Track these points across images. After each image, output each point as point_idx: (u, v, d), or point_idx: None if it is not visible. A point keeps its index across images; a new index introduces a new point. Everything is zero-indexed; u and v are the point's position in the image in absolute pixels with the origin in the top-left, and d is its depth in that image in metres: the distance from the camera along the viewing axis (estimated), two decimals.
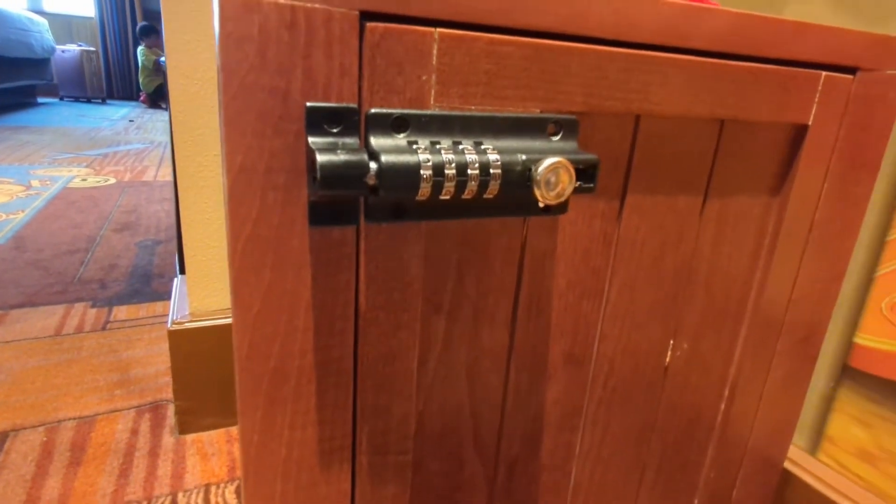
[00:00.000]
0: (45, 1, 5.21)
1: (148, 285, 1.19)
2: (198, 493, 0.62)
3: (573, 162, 0.26)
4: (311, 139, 0.24)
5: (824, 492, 0.49)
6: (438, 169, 0.24)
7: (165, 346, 0.94)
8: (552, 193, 0.25)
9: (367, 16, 0.24)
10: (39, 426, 0.72)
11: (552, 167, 0.25)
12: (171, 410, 0.77)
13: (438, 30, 0.25)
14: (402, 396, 0.31)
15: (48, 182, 2.03)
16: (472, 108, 0.27)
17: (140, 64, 4.89)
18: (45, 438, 0.70)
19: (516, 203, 0.28)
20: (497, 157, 0.25)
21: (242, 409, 0.27)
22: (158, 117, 4.33)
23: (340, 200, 0.25)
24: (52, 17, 5.02)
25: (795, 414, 0.46)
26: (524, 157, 0.26)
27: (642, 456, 0.43)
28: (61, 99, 5.04)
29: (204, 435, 0.73)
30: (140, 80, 5.00)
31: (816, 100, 0.36)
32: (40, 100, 4.84)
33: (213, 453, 0.69)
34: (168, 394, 0.81)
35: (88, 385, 0.82)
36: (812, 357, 0.44)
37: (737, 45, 0.32)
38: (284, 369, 0.27)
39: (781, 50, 0.33)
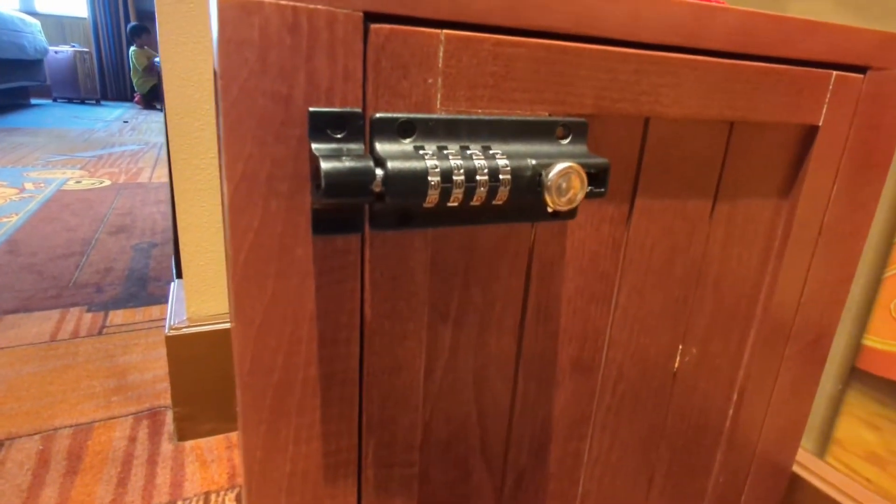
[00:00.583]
0: (38, 1, 5.18)
1: (144, 289, 1.18)
2: (197, 501, 0.62)
3: (584, 166, 0.26)
4: (314, 145, 0.23)
5: (833, 495, 0.48)
6: (447, 175, 0.23)
7: (162, 350, 0.93)
8: (563, 199, 0.25)
9: (371, 17, 0.23)
10: (35, 434, 0.71)
11: (563, 172, 0.24)
12: (169, 417, 0.76)
13: (445, 31, 0.24)
14: (409, 407, 0.30)
15: (42, 184, 2.01)
16: (480, 111, 0.26)
17: (132, 65, 4.86)
18: (41, 447, 0.69)
19: (525, 209, 0.27)
20: (506, 161, 0.24)
21: (245, 424, 0.26)
22: (153, 118, 4.30)
23: (345, 208, 0.25)
24: (45, 18, 4.98)
25: (804, 417, 0.46)
26: (534, 161, 0.25)
27: (651, 461, 0.42)
28: (55, 100, 5.00)
29: (203, 441, 0.72)
30: (134, 81, 4.97)
31: (827, 100, 0.35)
32: (33, 101, 4.81)
33: (213, 460, 0.68)
34: (166, 400, 0.79)
35: (85, 391, 0.81)
36: (821, 360, 0.44)
37: (747, 45, 0.31)
38: (288, 382, 0.26)
39: (792, 49, 0.33)
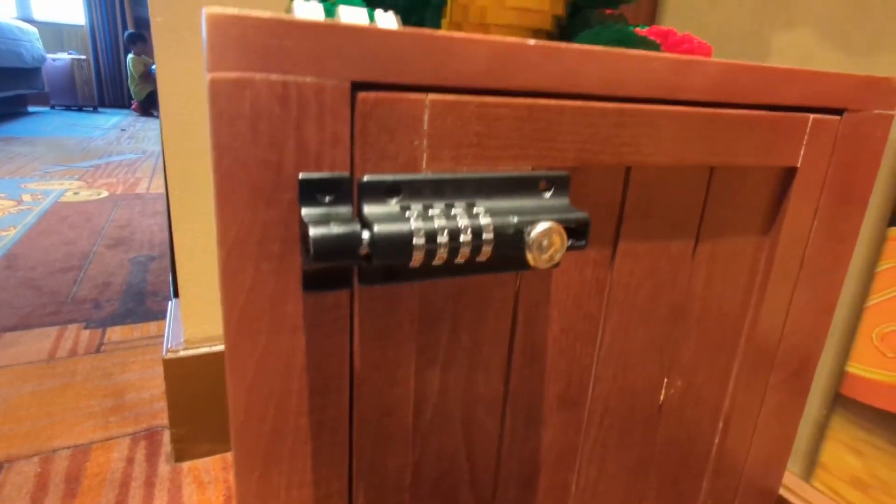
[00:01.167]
0: (35, 9, 5.19)
1: (142, 304, 1.19)
2: None
3: (564, 222, 0.27)
4: (304, 210, 0.24)
5: None
6: (431, 236, 0.24)
7: (159, 369, 0.93)
8: (545, 256, 0.26)
9: (358, 85, 0.24)
10: (34, 456, 0.72)
11: (545, 232, 0.25)
12: (166, 437, 0.77)
13: (430, 96, 0.25)
14: (398, 450, 0.31)
15: (40, 196, 2.02)
16: (464, 168, 0.27)
17: (129, 72, 4.87)
18: (39, 469, 0.69)
19: (508, 261, 0.28)
20: (489, 220, 0.25)
21: (239, 471, 0.27)
22: (150, 125, 4.31)
23: (334, 267, 0.25)
24: (43, 26, 4.99)
25: (789, 444, 0.47)
26: (516, 219, 0.26)
27: (639, 490, 0.43)
28: (52, 107, 5.01)
29: (200, 462, 0.72)
30: (131, 88, 4.98)
31: (805, 142, 0.36)
32: (31, 109, 4.81)
33: (210, 481, 0.69)
34: (163, 420, 0.80)
35: (83, 411, 0.81)
36: (804, 389, 0.45)
37: (726, 95, 0.32)
38: (280, 430, 0.27)
39: (770, 96, 0.34)
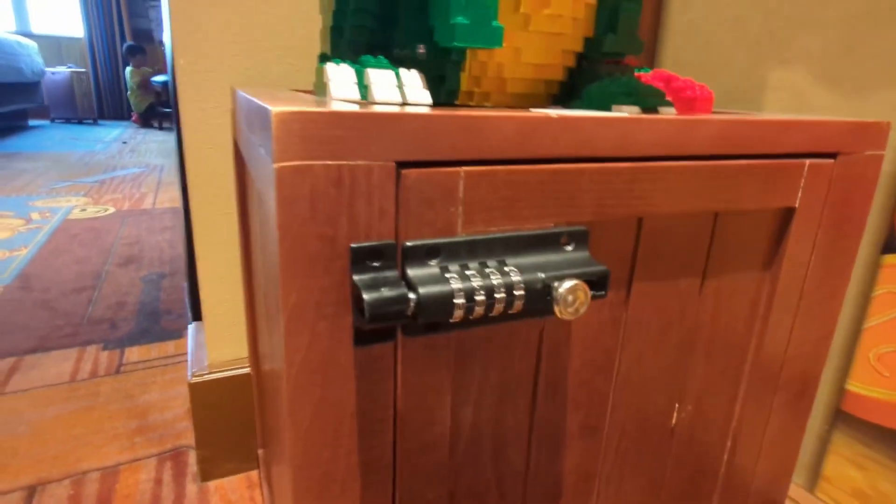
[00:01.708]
0: (33, 22, 5.21)
1: (157, 323, 1.21)
2: None
3: (586, 275, 0.29)
4: (355, 276, 0.26)
5: None
6: (469, 296, 0.27)
7: (180, 388, 0.96)
8: (570, 310, 0.28)
9: (401, 164, 0.27)
10: (65, 479, 0.74)
11: (571, 289, 0.28)
12: (191, 457, 0.79)
13: (464, 168, 0.28)
14: (436, 482, 0.33)
15: (48, 214, 2.04)
16: (494, 229, 0.30)
17: (129, 84, 4.90)
18: (71, 492, 0.72)
19: (536, 311, 0.31)
20: (519, 278, 0.28)
21: None
22: (151, 137, 4.33)
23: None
24: (41, 39, 5.02)
25: (793, 459, 0.49)
26: (543, 275, 0.29)
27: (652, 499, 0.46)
28: (52, 121, 5.03)
29: (225, 481, 0.75)
30: (130, 100, 5.01)
31: (802, 185, 0.39)
32: (31, 122, 4.84)
33: (237, 500, 0.72)
34: (187, 440, 0.83)
35: (108, 433, 0.84)
36: (806, 408, 0.47)
37: (728, 148, 0.35)
38: (332, 472, 0.30)
39: (769, 146, 0.36)
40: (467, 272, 0.28)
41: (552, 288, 0.28)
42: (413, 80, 0.37)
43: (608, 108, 0.38)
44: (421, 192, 0.27)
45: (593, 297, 0.30)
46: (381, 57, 0.39)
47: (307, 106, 0.25)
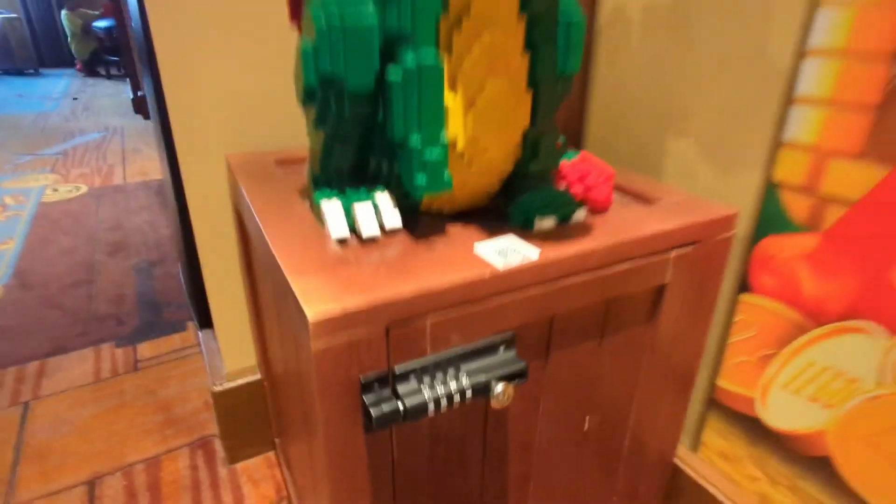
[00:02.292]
0: None
1: (160, 316, 1.34)
2: None
3: (511, 373, 0.45)
4: (364, 396, 0.42)
5: (699, 481, 0.72)
6: (437, 401, 0.42)
7: (194, 381, 1.11)
8: (502, 401, 0.44)
9: (390, 326, 0.41)
10: (117, 472, 0.91)
11: (502, 390, 0.44)
12: (217, 444, 0.96)
13: (430, 318, 0.43)
14: (421, 484, 0.51)
15: (21, 198, 2.08)
16: (452, 344, 0.45)
17: (68, 31, 4.63)
18: (125, 482, 0.89)
19: (479, 398, 0.47)
20: (469, 381, 0.44)
21: None
22: (101, 90, 4.18)
23: None
24: None
25: (678, 433, 0.69)
26: (484, 377, 0.44)
27: (579, 486, 0.65)
28: None
29: (250, 463, 0.93)
30: (72, 47, 4.75)
31: (670, 267, 0.55)
32: None
33: (261, 479, 0.90)
34: (210, 429, 0.99)
35: (142, 427, 1.00)
36: (686, 400, 0.66)
37: (616, 259, 0.50)
38: (354, 499, 0.46)
39: (646, 249, 0.52)
40: (434, 382, 0.43)
41: (490, 387, 0.44)
42: (386, 203, 0.50)
43: (533, 219, 0.52)
44: (403, 340, 0.42)
45: (517, 383, 0.46)
46: (363, 188, 0.51)
47: (332, 304, 0.39)
